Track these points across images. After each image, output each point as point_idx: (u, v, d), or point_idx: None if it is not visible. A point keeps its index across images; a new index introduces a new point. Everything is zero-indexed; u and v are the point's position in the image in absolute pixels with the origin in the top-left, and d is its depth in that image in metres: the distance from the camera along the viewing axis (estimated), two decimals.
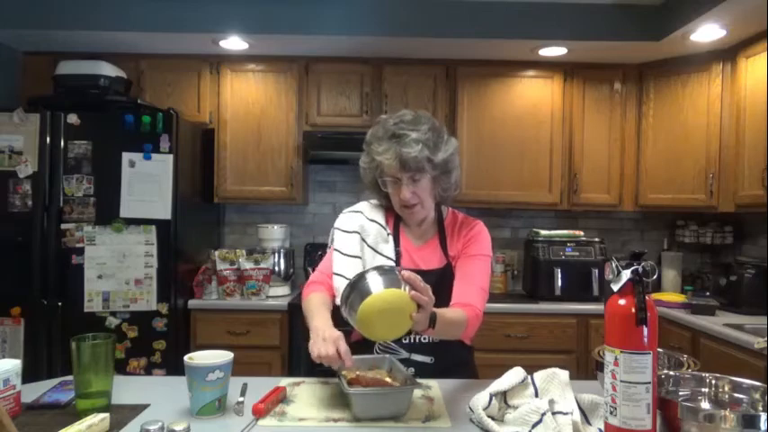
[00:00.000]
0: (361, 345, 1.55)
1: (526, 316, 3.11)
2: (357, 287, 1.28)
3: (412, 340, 1.61)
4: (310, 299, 1.59)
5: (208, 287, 3.17)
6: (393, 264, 1.56)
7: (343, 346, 1.32)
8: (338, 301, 1.51)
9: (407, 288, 1.26)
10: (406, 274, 1.29)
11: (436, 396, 1.44)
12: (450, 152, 1.60)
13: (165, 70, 3.41)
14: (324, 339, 1.33)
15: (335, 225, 1.74)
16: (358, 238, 1.67)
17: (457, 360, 1.65)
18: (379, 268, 1.34)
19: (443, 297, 1.57)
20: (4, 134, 2.85)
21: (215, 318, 3.10)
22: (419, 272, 1.52)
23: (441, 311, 1.37)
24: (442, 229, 1.70)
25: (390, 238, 1.67)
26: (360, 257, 1.64)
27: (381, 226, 1.68)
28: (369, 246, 1.66)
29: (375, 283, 1.27)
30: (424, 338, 1.61)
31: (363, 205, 1.77)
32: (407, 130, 1.55)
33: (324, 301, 1.58)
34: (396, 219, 1.71)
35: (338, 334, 1.36)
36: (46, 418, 1.26)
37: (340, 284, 1.59)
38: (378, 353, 1.59)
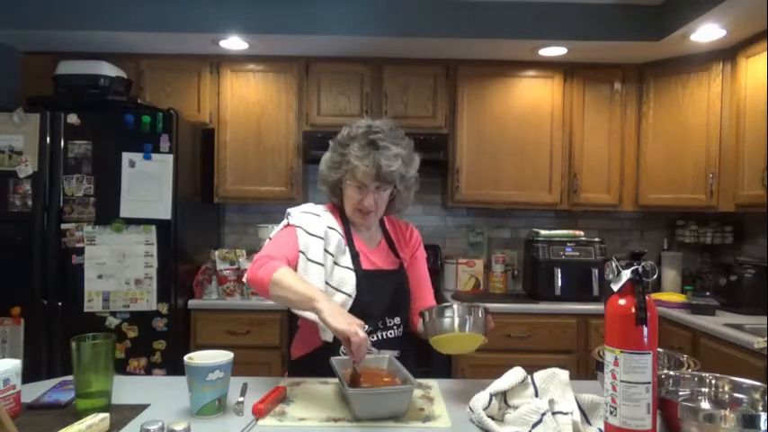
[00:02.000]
0: (308, 359, 1.63)
1: (526, 316, 3.11)
2: (446, 319, 1.37)
3: (381, 337, 1.63)
4: (287, 271, 1.44)
5: (208, 287, 3.17)
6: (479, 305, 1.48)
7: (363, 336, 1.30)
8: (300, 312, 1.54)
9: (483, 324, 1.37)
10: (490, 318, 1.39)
11: (436, 396, 1.44)
12: (416, 169, 1.67)
13: (165, 70, 3.41)
14: (350, 320, 1.30)
15: (297, 223, 1.64)
16: (321, 245, 1.61)
17: (420, 352, 1.71)
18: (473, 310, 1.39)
19: (402, 295, 1.69)
20: (4, 134, 2.85)
21: (215, 318, 3.10)
22: (381, 272, 1.67)
23: None
24: (387, 233, 1.76)
25: (347, 248, 1.66)
26: (323, 264, 1.59)
27: (340, 235, 1.66)
28: (329, 253, 1.62)
29: (460, 324, 1.37)
30: (391, 334, 1.65)
31: (319, 209, 1.73)
32: (389, 142, 1.58)
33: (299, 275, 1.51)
34: (345, 221, 1.71)
35: (359, 321, 1.33)
36: (46, 418, 1.26)
37: None
38: (344, 352, 1.50)
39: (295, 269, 1.55)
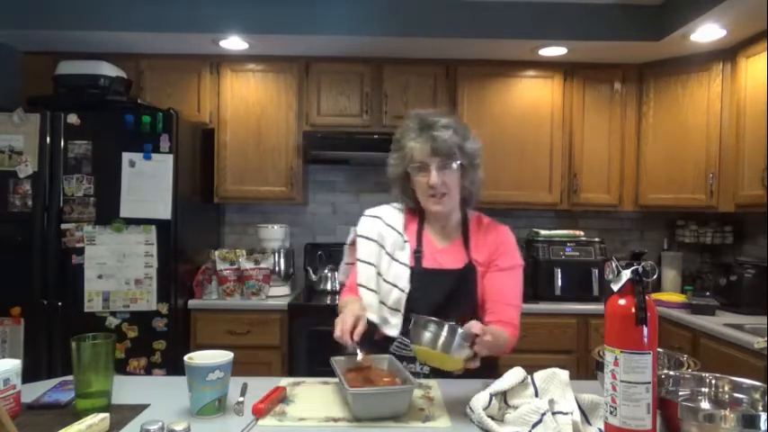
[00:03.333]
0: (381, 344, 1.63)
1: (526, 316, 3.02)
2: (427, 332, 1.30)
3: None
4: (344, 299, 1.68)
5: (208, 287, 3.17)
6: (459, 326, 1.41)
7: (347, 323, 1.42)
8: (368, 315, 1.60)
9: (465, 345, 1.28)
10: (478, 342, 1.29)
11: (436, 396, 1.44)
12: (477, 146, 1.67)
13: (165, 70, 3.41)
14: (344, 317, 1.45)
15: (358, 230, 1.77)
16: (376, 247, 1.70)
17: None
18: (444, 327, 1.30)
19: (463, 296, 1.63)
20: (4, 134, 2.85)
21: (215, 318, 3.10)
22: (441, 270, 1.63)
23: (495, 335, 1.39)
24: (466, 232, 1.71)
25: (407, 245, 1.69)
26: (374, 265, 1.68)
27: (398, 232, 1.71)
28: (387, 253, 1.69)
29: (441, 342, 1.28)
30: None
31: (384, 210, 1.79)
32: (438, 117, 1.62)
33: (355, 299, 1.64)
34: (420, 220, 1.73)
35: (357, 314, 1.46)
36: (46, 418, 1.26)
37: (363, 295, 1.66)
38: (395, 350, 1.62)
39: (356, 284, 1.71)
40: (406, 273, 1.64)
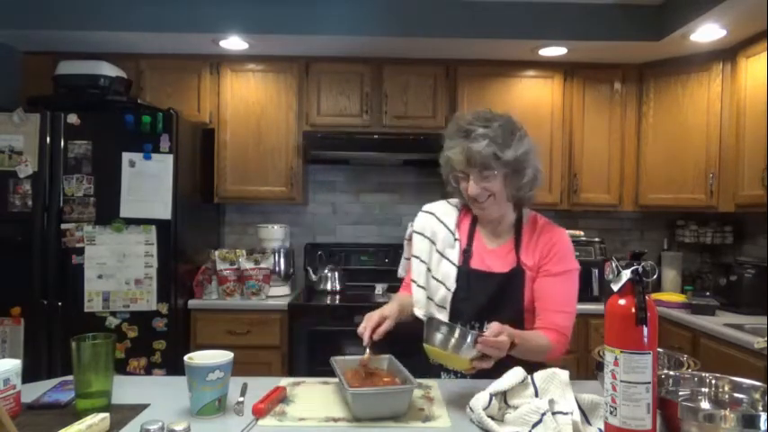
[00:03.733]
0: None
1: None
2: (439, 334, 1.36)
3: None
4: (395, 295, 1.76)
5: (208, 287, 3.17)
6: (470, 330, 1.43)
7: (372, 320, 1.51)
8: (416, 311, 1.67)
9: (475, 346, 1.31)
10: (480, 341, 1.30)
11: (436, 396, 1.44)
12: (521, 151, 1.57)
13: (165, 70, 3.41)
14: (373, 314, 1.54)
15: (414, 226, 1.78)
16: (428, 243, 1.72)
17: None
18: (456, 329, 1.34)
19: (511, 300, 1.60)
20: (4, 134, 2.85)
21: (215, 318, 3.10)
22: (487, 273, 1.63)
23: (524, 338, 1.42)
24: (519, 234, 1.67)
25: (457, 243, 1.68)
26: (426, 262, 1.70)
27: (449, 230, 1.71)
28: (437, 250, 1.70)
29: (446, 342, 1.33)
30: None
31: (439, 205, 1.79)
32: (477, 125, 1.57)
33: (401, 296, 1.74)
34: (473, 218, 1.72)
35: (375, 315, 1.54)
36: (46, 418, 1.26)
37: (414, 291, 1.71)
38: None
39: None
40: (454, 271, 1.65)
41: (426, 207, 1.81)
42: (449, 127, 1.66)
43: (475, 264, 1.65)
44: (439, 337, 1.34)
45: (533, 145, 1.62)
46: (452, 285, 1.64)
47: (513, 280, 1.61)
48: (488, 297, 1.60)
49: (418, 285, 1.70)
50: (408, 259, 1.83)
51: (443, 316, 1.61)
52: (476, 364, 1.32)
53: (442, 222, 1.73)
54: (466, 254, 1.67)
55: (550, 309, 1.57)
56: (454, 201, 1.77)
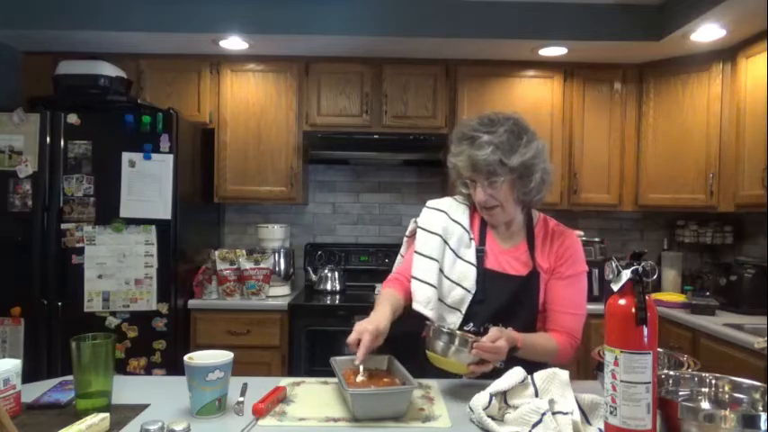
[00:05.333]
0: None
1: None
2: (440, 342, 1.40)
3: None
4: (382, 293, 1.65)
5: (208, 287, 3.17)
6: (468, 333, 1.49)
7: (365, 338, 1.38)
8: (415, 306, 1.60)
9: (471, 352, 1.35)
10: (475, 346, 1.34)
11: (436, 396, 1.44)
12: (528, 155, 1.54)
13: (165, 70, 3.41)
14: (357, 327, 1.42)
15: (419, 222, 1.71)
16: (439, 241, 1.64)
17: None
18: (456, 337, 1.38)
19: (527, 303, 1.59)
20: (4, 134, 2.85)
21: (215, 318, 3.10)
22: (504, 275, 1.59)
23: (529, 340, 1.44)
24: (531, 235, 1.66)
25: (473, 243, 1.64)
26: (437, 260, 1.63)
27: (465, 229, 1.66)
28: (451, 249, 1.64)
29: (445, 349, 1.39)
30: None
31: (448, 202, 1.74)
32: (482, 131, 1.54)
33: (390, 297, 1.60)
34: (483, 217, 1.68)
35: (370, 327, 1.41)
36: (46, 418, 1.26)
37: (417, 288, 1.62)
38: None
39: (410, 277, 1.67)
40: (473, 272, 1.60)
41: (433, 203, 1.74)
42: (455, 131, 1.63)
43: (490, 264, 1.62)
44: (440, 344, 1.38)
45: (543, 146, 1.60)
46: (472, 287, 1.59)
47: (530, 283, 1.60)
48: (505, 299, 1.58)
49: (423, 282, 1.61)
50: (403, 256, 1.79)
51: (456, 318, 1.58)
52: (473, 368, 1.36)
53: (455, 221, 1.67)
54: (480, 253, 1.62)
55: (559, 311, 1.58)
56: (461, 198, 1.74)
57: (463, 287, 1.60)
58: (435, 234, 1.66)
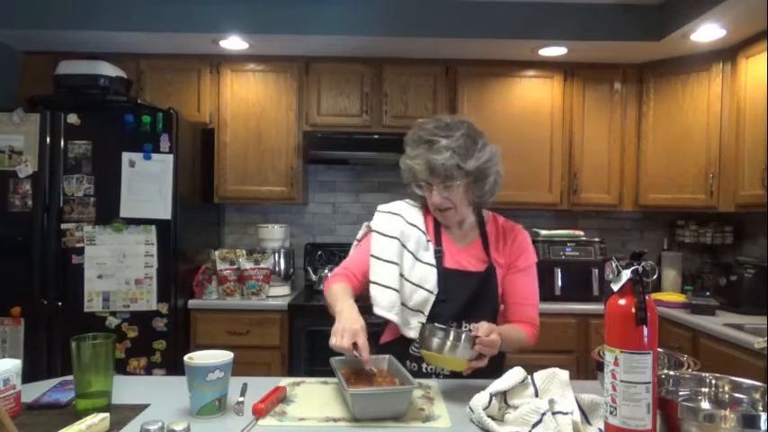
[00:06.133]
0: (392, 345, 1.63)
1: None
2: (436, 339, 1.40)
3: None
4: (334, 287, 1.59)
5: (208, 287, 3.17)
6: (468, 331, 1.52)
7: (361, 340, 1.36)
8: (377, 311, 1.59)
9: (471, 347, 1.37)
10: (478, 341, 1.37)
11: (436, 396, 1.44)
12: (483, 159, 1.57)
13: (165, 70, 3.41)
14: (343, 329, 1.37)
15: (373, 226, 1.71)
16: (397, 244, 1.65)
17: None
18: (450, 333, 1.39)
19: (488, 298, 1.63)
20: (4, 134, 2.85)
21: (215, 318, 3.10)
22: (464, 273, 1.62)
23: (505, 333, 1.47)
24: (485, 233, 1.70)
25: (430, 245, 1.66)
26: (397, 264, 1.63)
27: (422, 231, 1.68)
28: (409, 251, 1.65)
29: (441, 346, 1.39)
30: None
31: (401, 206, 1.75)
32: (440, 136, 1.56)
33: (347, 290, 1.58)
34: (436, 219, 1.70)
35: (358, 326, 1.38)
36: (46, 418, 1.26)
37: (378, 293, 1.61)
38: (414, 350, 1.62)
39: (363, 277, 1.64)
40: (433, 274, 1.61)
41: (386, 207, 1.75)
42: (410, 134, 1.64)
43: (449, 264, 1.64)
44: (436, 341, 1.39)
45: (496, 150, 1.64)
46: (434, 288, 1.61)
47: (489, 278, 1.64)
48: (467, 297, 1.61)
49: (385, 287, 1.60)
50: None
51: (420, 320, 1.59)
52: (473, 363, 1.39)
53: (411, 224, 1.69)
54: (438, 254, 1.65)
55: (521, 303, 1.66)
56: (412, 201, 1.77)
57: (425, 289, 1.61)
58: (393, 237, 1.66)
